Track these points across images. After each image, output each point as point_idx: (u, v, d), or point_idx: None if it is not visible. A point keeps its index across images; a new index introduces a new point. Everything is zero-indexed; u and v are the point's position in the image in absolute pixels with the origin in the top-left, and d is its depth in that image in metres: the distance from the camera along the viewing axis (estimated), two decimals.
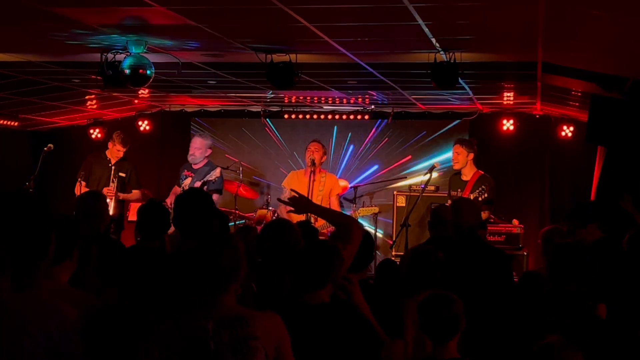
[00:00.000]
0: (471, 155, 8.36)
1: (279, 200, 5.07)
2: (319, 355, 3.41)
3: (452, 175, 8.64)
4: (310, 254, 3.59)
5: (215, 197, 8.40)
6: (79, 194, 8.57)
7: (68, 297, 3.18)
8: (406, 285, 4.60)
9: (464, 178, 8.38)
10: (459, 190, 8.28)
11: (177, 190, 8.90)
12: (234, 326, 2.93)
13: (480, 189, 8.03)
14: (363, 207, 10.04)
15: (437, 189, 9.90)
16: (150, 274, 3.99)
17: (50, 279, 3.25)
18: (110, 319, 2.66)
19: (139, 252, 4.89)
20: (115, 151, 9.05)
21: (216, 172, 8.74)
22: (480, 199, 7.99)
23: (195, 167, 8.87)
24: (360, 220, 9.72)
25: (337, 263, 3.59)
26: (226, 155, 11.69)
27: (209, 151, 8.99)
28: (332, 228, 8.24)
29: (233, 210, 9.87)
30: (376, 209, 9.49)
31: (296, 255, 3.64)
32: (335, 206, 8.80)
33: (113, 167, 8.93)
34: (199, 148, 8.82)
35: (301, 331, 3.36)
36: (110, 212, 8.36)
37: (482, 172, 8.43)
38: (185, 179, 8.75)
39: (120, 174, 8.79)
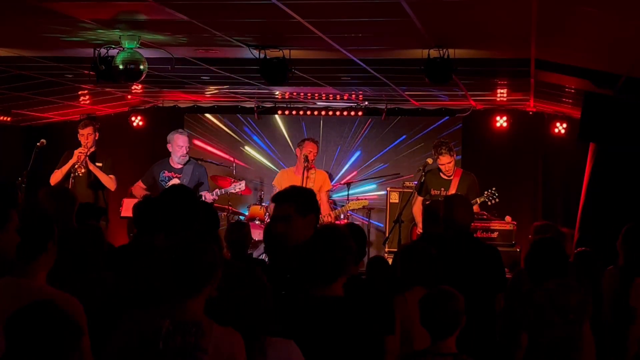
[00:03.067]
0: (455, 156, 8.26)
1: None
2: (331, 350, 3.37)
3: (429, 173, 8.30)
4: (321, 244, 3.48)
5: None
6: (53, 182, 8.44)
7: (30, 294, 3.14)
8: (397, 281, 4.62)
9: (445, 177, 8.20)
10: (442, 189, 8.12)
11: (142, 185, 8.68)
12: (189, 332, 2.85)
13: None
14: (353, 200, 10.03)
15: None
16: (143, 270, 3.96)
17: (22, 276, 3.25)
18: (32, 319, 2.57)
19: (134, 248, 4.87)
20: (82, 138, 8.60)
21: (241, 185, 8.75)
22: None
23: (176, 166, 8.60)
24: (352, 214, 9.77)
25: (348, 254, 3.49)
26: (219, 151, 11.70)
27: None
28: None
29: (226, 207, 9.87)
30: (366, 202, 9.41)
31: (305, 246, 3.56)
32: (324, 202, 8.77)
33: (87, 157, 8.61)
34: (187, 146, 8.60)
35: (317, 325, 3.32)
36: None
37: (462, 170, 8.37)
38: (170, 180, 8.45)
39: (97, 163, 8.62)
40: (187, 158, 8.57)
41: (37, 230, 3.34)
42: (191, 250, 2.98)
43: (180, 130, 8.87)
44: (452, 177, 8.12)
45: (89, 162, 8.44)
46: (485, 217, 9.42)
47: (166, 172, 8.55)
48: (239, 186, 8.85)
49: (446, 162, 8.08)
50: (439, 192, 8.06)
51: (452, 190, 7.99)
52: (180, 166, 8.58)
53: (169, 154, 8.74)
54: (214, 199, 8.58)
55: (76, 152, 8.45)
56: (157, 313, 2.93)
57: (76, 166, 8.43)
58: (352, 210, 9.47)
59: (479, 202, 7.73)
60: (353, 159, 11.73)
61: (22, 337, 2.54)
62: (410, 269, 4.63)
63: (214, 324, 2.94)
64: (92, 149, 8.57)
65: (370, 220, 10.52)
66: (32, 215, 3.38)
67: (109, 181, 8.52)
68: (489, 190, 7.96)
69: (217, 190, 8.74)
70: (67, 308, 2.80)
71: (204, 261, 2.96)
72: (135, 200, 10.32)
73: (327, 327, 3.31)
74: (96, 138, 8.66)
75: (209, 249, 3.01)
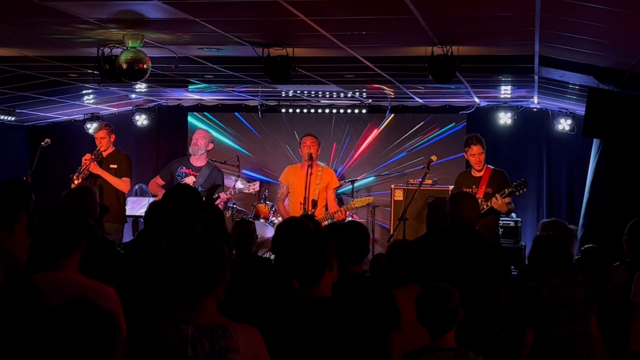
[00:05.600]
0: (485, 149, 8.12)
1: None
2: (323, 350, 3.37)
3: (460, 174, 8.28)
4: (303, 245, 3.51)
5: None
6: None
7: (71, 286, 3.27)
8: (388, 279, 4.60)
9: (476, 174, 8.02)
10: (474, 186, 7.98)
11: (159, 182, 8.76)
12: (217, 336, 2.84)
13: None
14: (358, 198, 9.99)
15: (434, 182, 9.92)
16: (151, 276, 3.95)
17: (58, 270, 3.36)
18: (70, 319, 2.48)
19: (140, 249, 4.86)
20: (97, 142, 8.69)
21: (255, 186, 8.82)
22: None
23: (195, 164, 8.64)
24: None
25: (328, 254, 3.51)
26: (223, 150, 11.70)
27: (211, 145, 8.86)
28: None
29: (231, 205, 9.88)
30: (370, 199, 9.37)
31: (290, 248, 3.57)
32: (331, 200, 8.79)
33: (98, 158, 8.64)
34: (203, 137, 8.64)
35: (304, 326, 3.33)
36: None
37: (492, 167, 8.21)
38: (186, 177, 8.51)
39: (112, 165, 8.65)
40: (200, 151, 8.65)
41: (74, 229, 3.47)
42: (201, 250, 2.94)
43: (199, 128, 8.95)
44: (482, 174, 7.95)
45: (95, 166, 8.42)
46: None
47: (184, 167, 8.64)
48: (253, 186, 8.91)
49: (477, 153, 7.90)
50: (470, 190, 7.89)
51: (482, 187, 7.86)
52: (200, 165, 8.65)
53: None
54: (228, 198, 8.67)
55: (83, 158, 8.50)
56: (176, 320, 2.88)
57: (79, 172, 8.42)
58: (357, 207, 9.44)
59: (507, 192, 7.60)
60: (357, 156, 11.72)
61: (61, 337, 2.53)
62: (403, 266, 4.59)
63: (234, 323, 2.91)
64: (110, 150, 8.59)
65: (375, 220, 10.51)
66: (65, 215, 3.50)
67: (120, 184, 8.54)
68: (518, 181, 7.78)
69: (231, 189, 8.77)
70: (105, 302, 2.80)
71: (214, 260, 2.93)
72: (140, 200, 10.39)
73: (315, 329, 3.31)
74: (112, 140, 8.69)
75: (218, 248, 2.98)
